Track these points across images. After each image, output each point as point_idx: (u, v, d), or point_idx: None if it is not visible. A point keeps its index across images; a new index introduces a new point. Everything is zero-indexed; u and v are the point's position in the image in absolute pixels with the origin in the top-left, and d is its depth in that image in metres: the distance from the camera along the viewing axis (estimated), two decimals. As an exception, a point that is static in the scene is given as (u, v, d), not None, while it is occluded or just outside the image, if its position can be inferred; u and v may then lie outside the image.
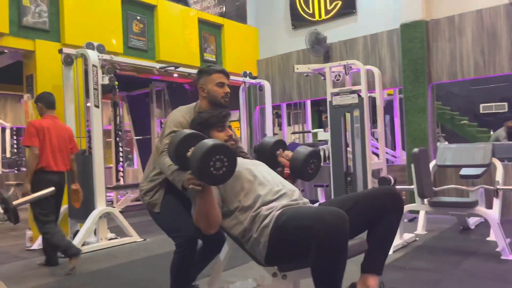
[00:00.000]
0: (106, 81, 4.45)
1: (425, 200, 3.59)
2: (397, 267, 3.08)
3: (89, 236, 4.22)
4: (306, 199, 1.86)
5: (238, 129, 7.71)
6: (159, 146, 2.11)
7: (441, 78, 5.31)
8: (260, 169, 1.92)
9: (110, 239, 4.34)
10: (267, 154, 2.20)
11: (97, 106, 4.25)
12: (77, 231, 4.18)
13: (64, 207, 4.42)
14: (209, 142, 1.60)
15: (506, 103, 10.13)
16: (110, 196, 7.37)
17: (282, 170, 2.13)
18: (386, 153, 6.35)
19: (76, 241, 3.96)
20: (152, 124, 7.36)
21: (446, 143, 9.07)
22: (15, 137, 10.08)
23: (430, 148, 5.25)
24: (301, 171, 2.08)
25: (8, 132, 10.11)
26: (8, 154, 10.03)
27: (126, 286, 2.98)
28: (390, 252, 3.46)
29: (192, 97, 8.09)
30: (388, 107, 6.63)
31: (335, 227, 1.41)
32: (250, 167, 1.89)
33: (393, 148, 6.71)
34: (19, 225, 5.17)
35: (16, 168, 9.64)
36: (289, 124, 9.63)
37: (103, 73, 4.42)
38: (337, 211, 1.46)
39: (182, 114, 2.17)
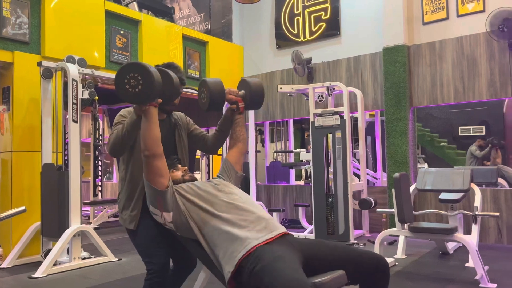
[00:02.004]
0: (86, 95, 4.35)
1: (405, 225, 3.59)
2: (377, 294, 3.03)
3: (61, 255, 4.07)
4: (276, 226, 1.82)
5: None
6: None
7: (422, 102, 5.39)
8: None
9: (84, 258, 4.19)
10: (218, 101, 2.14)
11: (75, 121, 4.14)
12: (49, 250, 4.03)
13: (36, 224, 4.28)
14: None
15: (483, 127, 10.35)
16: (87, 211, 7.19)
17: (237, 107, 2.18)
18: (367, 174, 6.37)
19: (47, 261, 3.82)
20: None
21: (426, 164, 9.21)
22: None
23: (411, 171, 5.29)
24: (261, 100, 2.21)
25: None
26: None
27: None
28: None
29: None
30: (370, 129, 6.69)
31: None
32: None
33: (374, 169, 6.75)
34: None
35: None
36: (271, 141, 9.63)
37: (83, 87, 4.33)
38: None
39: (128, 110, 2.18)
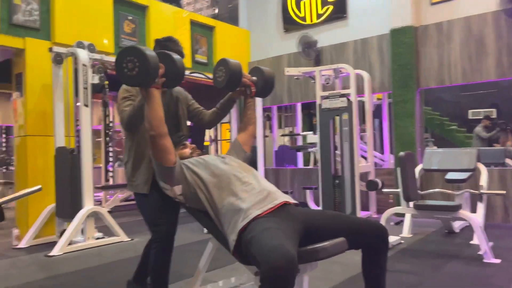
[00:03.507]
0: (96, 80, 4.44)
1: (411, 203, 3.64)
2: (381, 269, 3.11)
3: (76, 235, 4.21)
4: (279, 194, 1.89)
5: (229, 131, 7.74)
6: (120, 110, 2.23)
7: (429, 84, 5.38)
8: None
9: (97, 238, 4.33)
10: (235, 81, 2.21)
11: (86, 106, 4.24)
12: (64, 230, 4.17)
13: (51, 205, 4.42)
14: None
15: (494, 109, 10.26)
16: (99, 196, 7.34)
17: (249, 91, 2.27)
18: (374, 156, 6.41)
19: (63, 240, 3.96)
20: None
21: (435, 148, 9.18)
22: (4, 136, 10.00)
23: (418, 152, 5.31)
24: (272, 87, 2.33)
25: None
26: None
27: (110, 286, 2.97)
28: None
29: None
30: (377, 111, 6.70)
31: (279, 272, 1.37)
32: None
33: (382, 151, 6.77)
34: (6, 224, 5.18)
35: (5, 167, 9.56)
36: (279, 127, 9.69)
37: (93, 73, 4.42)
38: (287, 256, 1.40)
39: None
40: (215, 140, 9.64)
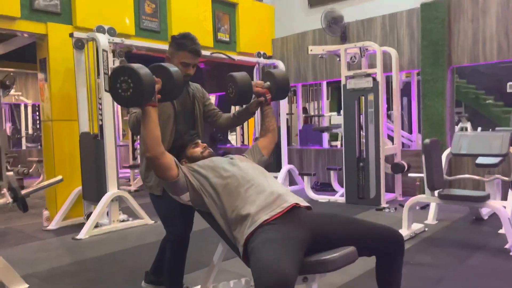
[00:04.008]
0: (117, 64, 4.45)
1: (435, 192, 3.51)
2: (401, 261, 3.05)
3: (102, 218, 4.34)
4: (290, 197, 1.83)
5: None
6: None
7: (462, 61, 5.10)
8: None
9: (122, 220, 4.44)
10: (246, 95, 2.17)
11: (107, 91, 4.26)
12: (91, 213, 4.30)
13: (78, 188, 4.55)
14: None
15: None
16: (127, 174, 7.53)
17: (264, 99, 2.20)
18: (402, 136, 6.22)
19: (89, 224, 4.09)
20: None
21: (469, 124, 8.80)
22: (37, 113, 10.32)
23: (447, 134, 5.10)
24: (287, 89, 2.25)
25: (30, 108, 10.36)
26: (30, 131, 10.31)
27: (133, 272, 3.04)
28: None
29: (208, 77, 8.06)
30: (406, 89, 6.45)
31: None
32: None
33: (410, 131, 6.56)
34: (39, 203, 5.40)
35: (39, 144, 9.91)
36: (306, 101, 9.47)
37: (114, 57, 4.43)
38: (281, 276, 1.34)
39: None
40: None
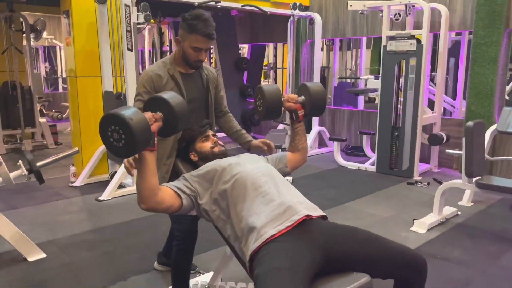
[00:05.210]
0: (141, 19, 4.21)
1: (473, 179, 3.23)
2: (427, 255, 2.83)
3: (126, 178, 4.34)
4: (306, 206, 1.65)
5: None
6: None
7: (522, 24, 4.50)
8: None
9: (146, 181, 4.43)
10: (274, 111, 1.99)
11: (130, 50, 4.08)
12: (115, 172, 4.30)
13: (103, 146, 4.54)
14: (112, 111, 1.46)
15: None
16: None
17: (295, 115, 2.01)
18: (444, 101, 5.78)
19: (111, 185, 4.10)
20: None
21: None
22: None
23: (495, 107, 4.65)
24: (323, 105, 2.02)
25: (63, 51, 10.36)
26: (64, 74, 10.39)
27: (150, 245, 3.03)
28: (424, 231, 3.26)
29: (240, 26, 7.64)
30: (455, 49, 5.87)
31: None
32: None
33: (454, 97, 6.06)
34: (68, 159, 5.46)
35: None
36: (348, 49, 8.91)
37: (138, 11, 4.18)
38: None
39: (152, 69, 2.04)
40: (273, 68, 9.25)
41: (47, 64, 11.24)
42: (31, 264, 2.73)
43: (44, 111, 8.32)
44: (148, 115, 1.56)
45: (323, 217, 1.69)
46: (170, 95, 1.65)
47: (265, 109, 1.96)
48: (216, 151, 1.92)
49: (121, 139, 1.42)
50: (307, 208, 1.64)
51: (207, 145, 1.93)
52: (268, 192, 1.65)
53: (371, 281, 1.52)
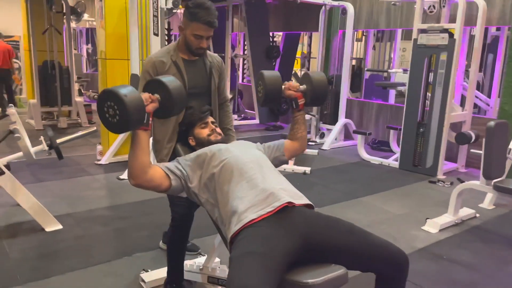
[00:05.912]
0: (169, 5, 4.28)
1: (492, 182, 3.11)
2: (434, 256, 2.81)
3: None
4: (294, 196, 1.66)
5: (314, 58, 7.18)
6: None
7: None
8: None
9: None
10: (273, 97, 2.00)
11: (156, 34, 4.17)
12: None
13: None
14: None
15: None
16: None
17: (295, 104, 2.01)
18: (478, 98, 5.54)
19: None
20: (227, 41, 7.18)
21: None
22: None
23: (529, 107, 4.42)
24: (324, 95, 2.01)
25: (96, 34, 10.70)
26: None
27: (164, 226, 3.13)
28: (435, 231, 3.18)
29: (274, 13, 7.60)
30: (494, 45, 5.59)
31: None
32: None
33: (489, 95, 5.79)
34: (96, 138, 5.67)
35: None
36: (378, 40, 8.68)
37: (166, -3, 4.26)
38: None
39: (156, 55, 2.09)
40: (307, 57, 9.16)
41: (89, 45, 11.65)
42: (48, 234, 2.90)
43: (82, 91, 8.67)
44: (145, 95, 1.63)
45: (309, 206, 1.70)
46: (168, 79, 1.71)
47: (264, 95, 1.97)
48: (212, 139, 1.95)
49: (115, 115, 1.50)
50: (291, 195, 1.65)
51: (204, 132, 1.97)
52: (253, 177, 1.68)
53: (346, 273, 1.52)
